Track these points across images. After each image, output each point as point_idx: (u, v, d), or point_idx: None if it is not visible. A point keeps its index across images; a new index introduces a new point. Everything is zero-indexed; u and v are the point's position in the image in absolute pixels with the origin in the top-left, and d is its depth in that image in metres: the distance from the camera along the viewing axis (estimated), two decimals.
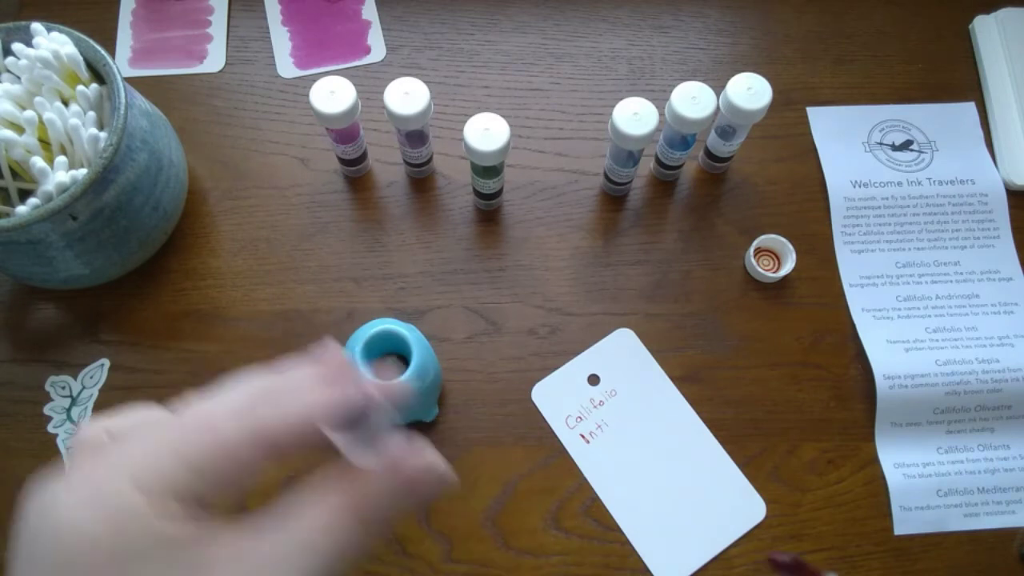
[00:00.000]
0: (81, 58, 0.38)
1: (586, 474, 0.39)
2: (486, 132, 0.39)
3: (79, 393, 0.41)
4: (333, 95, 0.40)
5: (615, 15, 0.52)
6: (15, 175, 0.38)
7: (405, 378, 0.36)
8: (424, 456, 0.23)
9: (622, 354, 0.42)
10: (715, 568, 0.38)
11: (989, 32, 0.50)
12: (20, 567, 0.21)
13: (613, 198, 0.46)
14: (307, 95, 0.40)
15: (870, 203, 0.46)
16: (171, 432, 0.21)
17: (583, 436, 0.40)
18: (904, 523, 0.39)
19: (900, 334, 0.42)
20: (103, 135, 0.37)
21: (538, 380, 0.41)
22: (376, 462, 0.22)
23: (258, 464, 0.21)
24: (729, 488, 0.39)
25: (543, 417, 0.41)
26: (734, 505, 0.39)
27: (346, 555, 0.22)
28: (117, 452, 0.21)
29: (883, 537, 0.39)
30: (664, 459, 0.40)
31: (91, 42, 0.38)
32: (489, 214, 0.46)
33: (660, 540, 0.38)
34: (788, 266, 0.43)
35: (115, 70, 0.37)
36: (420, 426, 0.40)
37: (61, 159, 0.36)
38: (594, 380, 0.41)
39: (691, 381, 0.42)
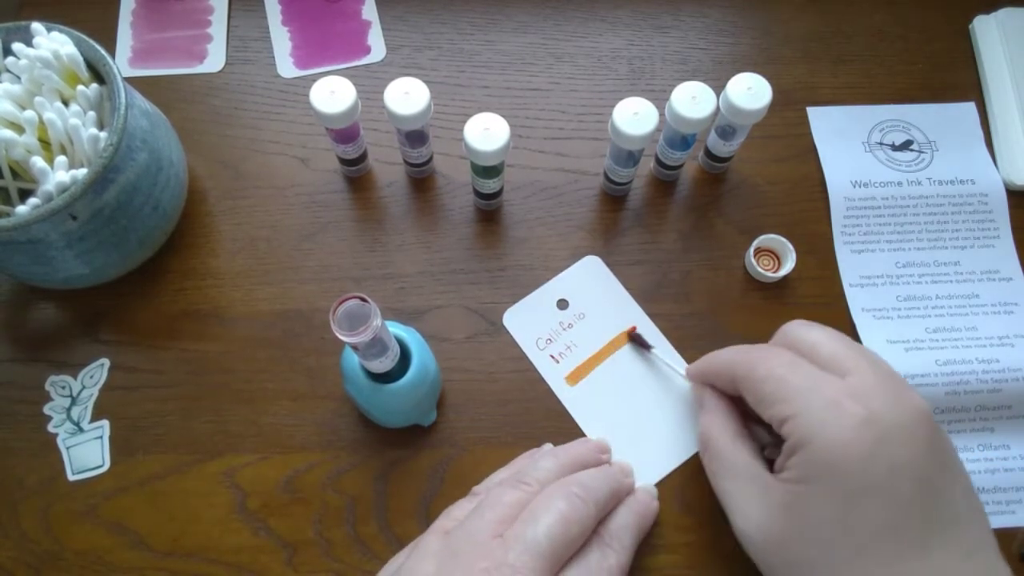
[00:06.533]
0: (81, 58, 0.38)
1: (557, 393, 0.41)
2: (486, 132, 0.39)
3: (79, 393, 0.41)
4: (333, 95, 0.40)
5: (615, 15, 0.52)
6: (15, 175, 0.38)
7: (405, 382, 0.36)
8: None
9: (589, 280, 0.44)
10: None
11: (989, 32, 0.50)
12: None
13: (613, 198, 0.46)
14: (307, 95, 0.40)
15: (870, 203, 0.46)
16: None
17: (553, 357, 0.42)
18: None
19: (900, 334, 0.42)
20: (103, 135, 0.37)
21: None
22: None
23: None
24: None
25: (543, 414, 0.41)
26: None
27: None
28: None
29: None
30: (636, 386, 0.41)
31: (91, 42, 0.38)
32: (489, 214, 0.46)
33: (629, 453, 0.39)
34: (788, 266, 0.43)
35: (115, 70, 0.38)
36: (419, 429, 0.40)
37: (61, 159, 0.36)
38: (563, 304, 0.43)
39: None
